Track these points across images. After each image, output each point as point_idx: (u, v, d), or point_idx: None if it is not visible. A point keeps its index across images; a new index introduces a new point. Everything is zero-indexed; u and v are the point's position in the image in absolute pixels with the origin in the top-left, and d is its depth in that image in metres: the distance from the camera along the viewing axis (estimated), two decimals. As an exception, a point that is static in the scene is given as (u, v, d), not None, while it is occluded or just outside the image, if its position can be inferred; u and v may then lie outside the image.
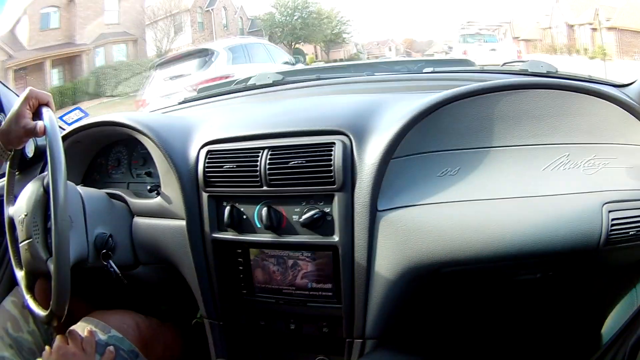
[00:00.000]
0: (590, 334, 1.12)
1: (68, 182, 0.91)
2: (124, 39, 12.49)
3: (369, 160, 0.89)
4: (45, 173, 0.95)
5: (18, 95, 1.32)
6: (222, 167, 0.98)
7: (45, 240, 0.97)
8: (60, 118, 1.35)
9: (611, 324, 1.10)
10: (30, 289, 1.03)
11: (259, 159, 0.95)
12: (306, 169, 0.92)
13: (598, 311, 1.13)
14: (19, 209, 1.00)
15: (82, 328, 1.05)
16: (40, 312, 0.96)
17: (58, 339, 1.01)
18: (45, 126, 0.93)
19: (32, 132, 0.96)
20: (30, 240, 0.98)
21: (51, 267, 0.92)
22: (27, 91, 0.98)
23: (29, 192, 1.00)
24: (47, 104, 0.98)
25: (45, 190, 0.96)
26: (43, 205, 0.97)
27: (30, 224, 0.97)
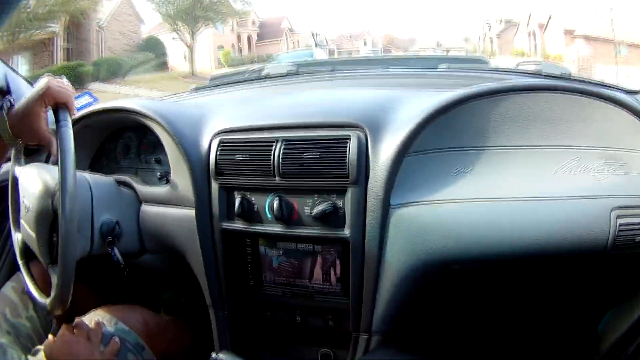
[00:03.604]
0: (591, 336, 1.13)
1: (76, 173, 0.87)
2: None
3: (383, 155, 0.89)
4: (56, 179, 0.90)
5: (27, 81, 1.31)
6: (234, 157, 0.98)
7: (48, 248, 0.94)
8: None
9: (610, 330, 1.11)
10: (25, 254, 1.03)
11: (272, 150, 0.95)
12: (320, 161, 0.91)
13: (599, 316, 1.14)
14: (25, 192, 0.98)
15: (89, 319, 1.06)
16: (41, 298, 0.96)
17: (63, 328, 1.01)
18: (58, 134, 0.87)
19: (45, 145, 0.91)
20: (33, 237, 0.96)
21: (52, 272, 0.91)
22: (43, 85, 0.89)
23: (37, 192, 0.94)
24: (65, 105, 0.90)
25: (54, 209, 0.91)
26: (49, 218, 0.93)
27: (34, 224, 0.95)
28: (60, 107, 0.90)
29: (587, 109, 0.94)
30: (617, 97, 0.94)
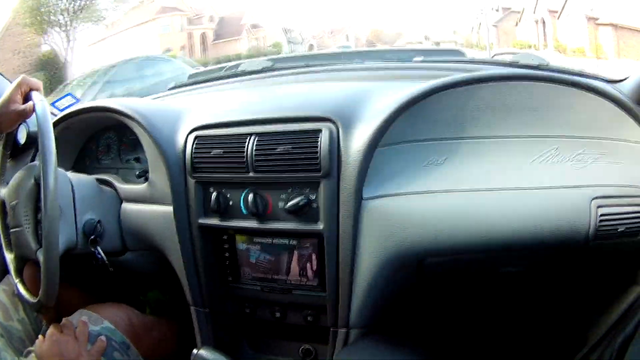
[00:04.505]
0: (578, 329, 1.12)
1: (58, 169, 0.92)
2: None
3: (355, 148, 0.89)
4: (36, 162, 0.96)
5: (10, 82, 1.34)
6: (209, 153, 0.98)
7: (36, 231, 0.98)
8: (53, 104, 1.36)
9: (598, 321, 1.10)
10: (19, 272, 1.04)
11: (245, 145, 0.95)
12: (292, 155, 0.92)
13: (586, 306, 1.13)
14: (10, 195, 1.02)
15: (75, 319, 1.07)
16: (30, 298, 0.97)
17: (51, 327, 1.02)
18: (36, 111, 0.94)
19: (23, 114, 0.99)
20: (21, 228, 0.99)
21: (41, 257, 0.93)
22: (19, 78, 1.00)
23: (20, 180, 1.01)
24: (38, 90, 1.00)
25: (36, 182, 0.97)
26: (34, 196, 0.98)
27: (21, 213, 0.99)
28: (33, 91, 0.99)
29: (566, 99, 0.93)
30: (596, 86, 0.93)
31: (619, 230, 0.86)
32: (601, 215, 0.84)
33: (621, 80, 1.04)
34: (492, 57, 1.27)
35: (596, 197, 0.84)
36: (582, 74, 1.12)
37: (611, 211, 0.85)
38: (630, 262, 0.99)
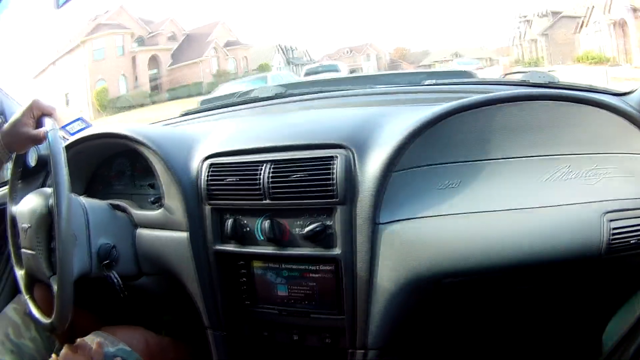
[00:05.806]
0: (591, 341, 1.12)
1: (71, 195, 0.93)
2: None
3: (370, 173, 0.90)
4: (50, 189, 0.96)
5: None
6: (224, 180, 0.99)
7: (49, 257, 0.98)
8: (63, 128, 1.36)
9: (612, 331, 1.10)
10: (30, 288, 1.06)
11: (260, 172, 0.96)
12: (307, 182, 0.92)
13: (599, 318, 1.13)
14: (23, 217, 1.03)
15: (90, 340, 1.07)
16: (42, 318, 0.98)
17: (65, 347, 1.02)
18: (47, 137, 0.95)
19: (34, 139, 0.99)
20: (33, 252, 1.00)
21: (53, 284, 0.93)
22: (30, 101, 1.00)
23: (32, 204, 1.01)
24: (50, 115, 1.00)
25: (49, 210, 0.97)
26: (46, 223, 0.98)
27: (34, 238, 1.00)
28: (46, 117, 0.99)
29: (576, 115, 0.94)
30: (604, 101, 0.94)
31: (631, 242, 0.86)
32: (613, 229, 0.85)
33: (629, 93, 1.04)
34: (503, 76, 1.27)
35: (608, 212, 0.85)
36: (591, 89, 1.12)
37: (623, 224, 0.85)
38: (642, 272, 1.00)
